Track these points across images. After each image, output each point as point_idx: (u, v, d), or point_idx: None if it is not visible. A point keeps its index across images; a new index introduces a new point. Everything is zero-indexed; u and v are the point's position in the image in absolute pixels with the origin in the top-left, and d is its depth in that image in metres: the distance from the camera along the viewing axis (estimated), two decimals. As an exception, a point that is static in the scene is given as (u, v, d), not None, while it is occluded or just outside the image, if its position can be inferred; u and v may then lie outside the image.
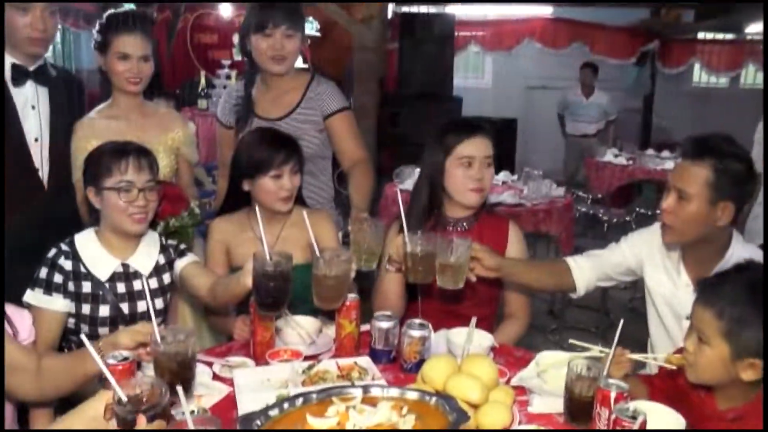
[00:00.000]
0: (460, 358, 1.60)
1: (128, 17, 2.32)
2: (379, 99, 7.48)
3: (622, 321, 1.51)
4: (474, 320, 1.80)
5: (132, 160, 1.88)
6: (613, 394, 1.33)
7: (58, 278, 1.86)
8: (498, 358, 1.80)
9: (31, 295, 1.85)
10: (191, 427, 1.08)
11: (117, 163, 1.87)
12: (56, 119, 2.25)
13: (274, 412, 1.15)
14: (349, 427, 1.15)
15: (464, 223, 2.14)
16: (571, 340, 1.69)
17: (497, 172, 4.88)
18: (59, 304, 1.86)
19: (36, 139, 2.21)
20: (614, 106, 7.17)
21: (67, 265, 1.88)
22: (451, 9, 8.10)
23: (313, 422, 1.15)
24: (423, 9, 8.19)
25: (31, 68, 2.20)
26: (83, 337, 1.36)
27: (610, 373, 1.47)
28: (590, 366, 1.45)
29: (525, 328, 2.18)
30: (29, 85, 2.20)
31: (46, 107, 2.24)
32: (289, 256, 1.70)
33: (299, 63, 7.18)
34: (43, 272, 1.86)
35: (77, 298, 1.89)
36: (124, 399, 1.14)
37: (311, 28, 7.52)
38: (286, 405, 1.17)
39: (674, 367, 1.53)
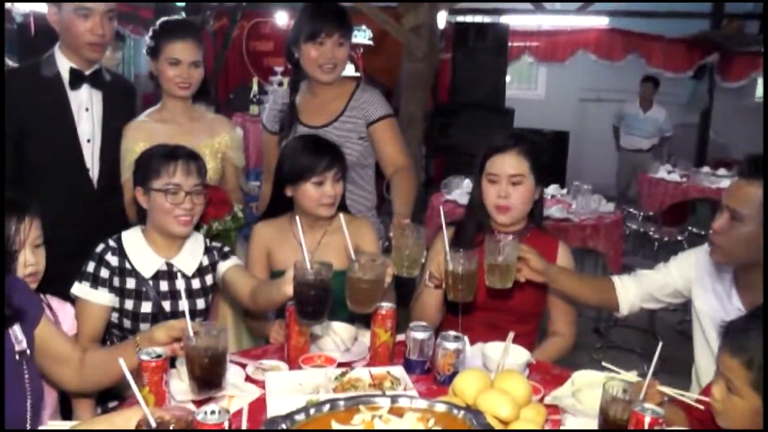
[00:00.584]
0: (494, 373, 1.58)
1: (179, 24, 2.41)
2: (431, 109, 7.58)
3: (660, 344, 1.46)
4: (511, 335, 1.77)
5: (181, 164, 1.93)
6: (647, 419, 1.28)
7: (104, 273, 1.92)
8: (534, 374, 1.77)
9: (78, 288, 1.91)
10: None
11: (166, 166, 1.92)
12: (108, 121, 2.32)
13: (300, 417, 1.15)
14: (373, 436, 1.14)
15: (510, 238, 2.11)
16: (604, 363, 1.64)
17: (546, 185, 4.86)
18: (104, 297, 1.92)
19: (88, 140, 2.29)
20: (670, 122, 6.99)
21: (113, 260, 1.94)
22: (505, 19, 8.06)
23: (338, 429, 1.15)
24: (477, 19, 8.17)
25: (87, 72, 2.27)
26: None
27: (646, 398, 1.42)
28: (626, 388, 1.40)
29: (569, 347, 2.13)
30: (85, 89, 2.28)
31: (99, 110, 2.31)
32: (330, 265, 1.69)
33: (350, 71, 7.32)
34: (91, 266, 1.93)
35: (121, 293, 1.94)
36: (154, 425, 1.16)
37: (364, 36, 7.60)
38: (312, 410, 1.18)
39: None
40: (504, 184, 2.03)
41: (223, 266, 2.07)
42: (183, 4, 8.86)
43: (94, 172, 2.31)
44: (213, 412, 1.21)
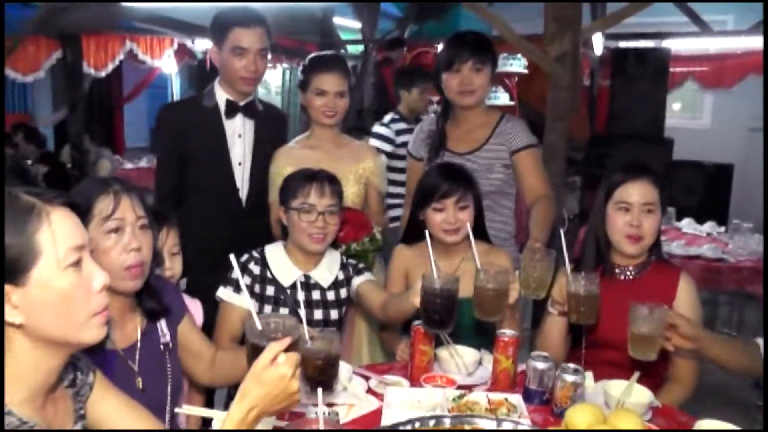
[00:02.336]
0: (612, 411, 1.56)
1: (327, 58, 2.59)
2: (588, 138, 7.38)
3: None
4: (636, 375, 1.74)
5: (316, 186, 2.10)
6: None
7: (246, 280, 2.12)
8: (657, 419, 1.71)
9: (223, 291, 2.13)
10: (321, 425, 1.19)
11: (302, 187, 2.10)
12: (258, 147, 2.54)
13: (405, 427, 1.22)
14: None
15: (632, 272, 2.06)
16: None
17: (702, 222, 4.60)
18: (245, 300, 2.11)
19: (239, 164, 2.52)
20: None
21: (255, 269, 2.14)
22: (668, 43, 7.66)
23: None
24: (639, 44, 7.85)
25: (242, 103, 2.52)
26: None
27: None
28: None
29: (688, 393, 2.00)
30: (239, 118, 2.52)
31: (251, 136, 2.54)
32: (457, 278, 1.80)
33: (505, 99, 7.33)
34: (234, 272, 2.12)
35: (261, 299, 2.13)
36: (259, 327, 1.27)
37: (519, 65, 7.58)
38: (417, 424, 1.24)
39: None
40: (636, 212, 1.98)
41: (357, 281, 2.22)
42: (348, 37, 9.39)
43: (243, 192, 2.53)
44: (324, 413, 1.31)
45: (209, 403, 2.21)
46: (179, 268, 2.05)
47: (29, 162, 5.70)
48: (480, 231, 2.28)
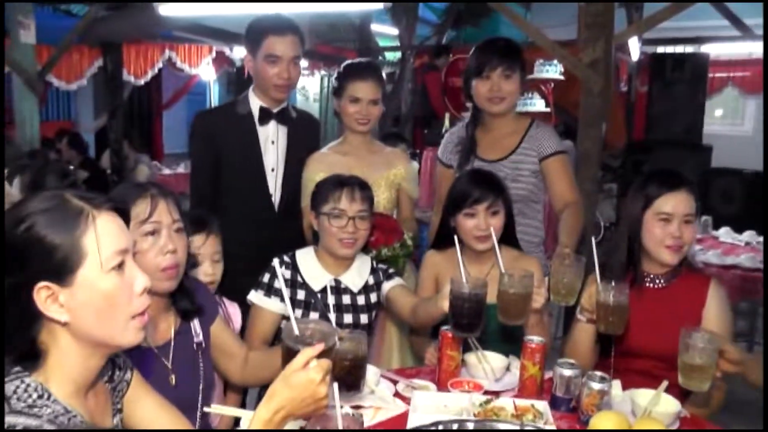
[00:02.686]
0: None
1: (361, 66, 2.62)
2: (624, 145, 7.29)
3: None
4: (664, 384, 1.73)
5: (347, 191, 2.13)
6: None
7: (277, 284, 2.15)
8: (685, 429, 1.69)
9: (254, 295, 2.17)
10: (339, 422, 1.21)
11: (333, 193, 2.13)
12: (291, 153, 2.58)
13: (427, 429, 1.24)
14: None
15: (662, 280, 2.05)
16: None
17: (740, 231, 4.51)
18: (276, 306, 2.15)
19: (272, 169, 2.56)
20: None
21: (286, 273, 2.17)
22: (706, 48, 7.54)
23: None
24: (677, 49, 7.74)
25: (275, 110, 2.57)
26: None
27: None
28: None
29: (717, 403, 1.95)
30: (272, 124, 2.56)
31: (284, 143, 2.58)
32: (485, 283, 1.82)
33: (541, 106, 7.29)
34: (266, 277, 2.17)
35: (292, 303, 2.14)
36: (296, 332, 1.31)
37: (555, 71, 7.54)
38: (440, 427, 1.26)
39: None
40: (678, 224, 1.96)
41: (387, 285, 2.24)
42: (386, 44, 9.45)
43: (276, 198, 2.57)
44: (347, 412, 1.34)
45: (242, 403, 2.25)
46: (219, 275, 2.10)
47: (71, 167, 5.89)
48: (510, 237, 2.29)
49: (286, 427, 1.26)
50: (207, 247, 2.05)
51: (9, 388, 1.06)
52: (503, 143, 2.61)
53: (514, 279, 1.86)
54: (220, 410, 1.54)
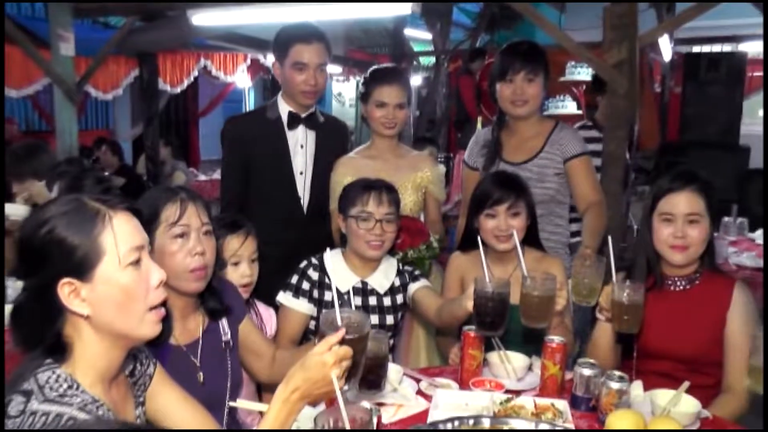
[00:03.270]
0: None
1: (387, 71, 2.67)
2: (658, 146, 7.18)
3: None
4: (685, 384, 1.73)
5: (374, 195, 2.17)
6: None
7: (305, 285, 2.21)
8: (706, 430, 1.69)
9: (282, 296, 2.23)
10: (342, 407, 1.25)
11: (361, 196, 2.18)
12: (319, 157, 2.65)
13: (443, 426, 1.27)
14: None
15: (683, 282, 2.04)
16: None
17: (753, 230, 4.43)
18: (304, 307, 2.21)
19: (301, 173, 2.63)
20: None
21: (314, 275, 2.23)
22: (744, 47, 7.39)
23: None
24: (714, 48, 7.60)
25: (303, 115, 2.63)
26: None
27: None
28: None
29: (743, 405, 1.93)
30: (300, 129, 2.63)
31: (312, 147, 2.65)
32: (508, 282, 1.86)
33: (573, 108, 7.23)
34: (294, 279, 2.23)
35: (319, 304, 2.22)
36: (340, 322, 1.35)
37: (587, 73, 7.49)
38: (456, 423, 1.29)
39: None
40: (680, 223, 1.96)
41: (413, 287, 2.28)
42: (420, 49, 9.48)
43: (304, 201, 2.64)
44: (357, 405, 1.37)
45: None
46: (256, 276, 2.16)
47: (107, 173, 6.07)
48: (533, 239, 2.30)
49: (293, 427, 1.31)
50: (245, 249, 2.11)
51: (41, 378, 1.14)
52: (528, 145, 2.63)
53: (537, 282, 1.88)
54: (244, 405, 1.60)
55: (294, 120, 2.62)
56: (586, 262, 2.01)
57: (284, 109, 2.63)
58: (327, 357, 1.30)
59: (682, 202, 1.97)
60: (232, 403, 1.62)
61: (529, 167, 2.59)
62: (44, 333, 1.18)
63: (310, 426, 1.44)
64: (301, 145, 2.64)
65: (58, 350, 1.18)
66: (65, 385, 1.15)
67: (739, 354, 1.94)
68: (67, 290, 1.16)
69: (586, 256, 2.09)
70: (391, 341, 2.31)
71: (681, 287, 2.04)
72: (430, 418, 1.64)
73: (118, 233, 1.19)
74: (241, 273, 2.10)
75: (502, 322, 1.84)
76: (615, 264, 1.92)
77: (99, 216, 1.18)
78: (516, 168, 2.57)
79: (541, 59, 2.59)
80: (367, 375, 1.60)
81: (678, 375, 1.90)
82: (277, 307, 2.26)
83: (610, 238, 1.95)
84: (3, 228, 1.07)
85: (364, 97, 2.65)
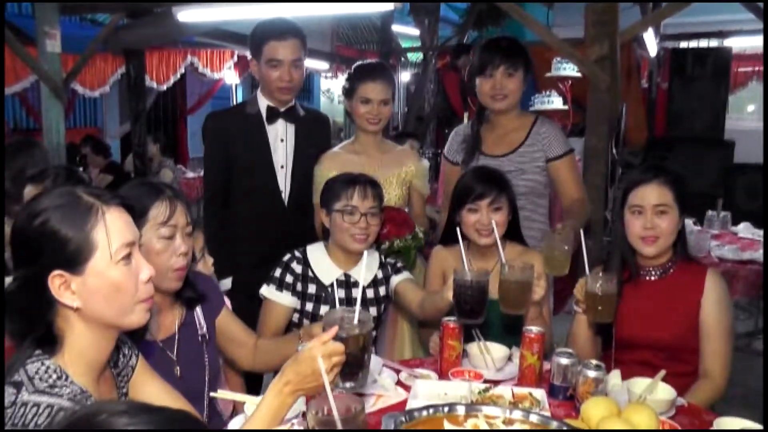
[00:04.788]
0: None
1: (371, 67, 2.67)
2: (645, 141, 7.23)
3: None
4: (662, 373, 1.76)
5: (359, 189, 2.19)
6: None
7: (289, 278, 2.23)
8: (680, 417, 1.71)
9: (266, 289, 2.25)
10: (329, 394, 1.28)
11: (345, 190, 2.19)
12: (300, 150, 2.66)
13: (417, 414, 1.30)
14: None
15: (657, 272, 2.07)
16: None
17: (736, 223, 4.48)
18: (287, 299, 2.23)
19: (282, 166, 2.64)
20: None
21: (297, 268, 2.24)
22: (729, 42, 7.44)
23: (448, 428, 1.27)
24: (701, 44, 7.66)
25: (282, 109, 2.64)
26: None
27: None
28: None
29: (719, 391, 1.97)
30: (280, 123, 2.64)
31: (293, 140, 2.66)
32: (487, 271, 1.90)
33: (558, 104, 7.28)
34: (277, 272, 2.24)
35: (303, 296, 2.24)
36: (347, 322, 1.39)
37: (573, 69, 7.52)
38: (431, 410, 1.31)
39: None
40: (649, 214, 2.00)
41: (395, 279, 2.30)
42: (408, 45, 9.48)
43: (285, 194, 2.64)
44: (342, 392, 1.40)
45: (256, 390, 2.32)
46: (205, 271, 2.13)
47: (97, 171, 6.06)
48: (515, 233, 2.33)
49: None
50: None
51: (31, 369, 1.16)
52: (509, 139, 2.66)
53: (515, 270, 1.94)
54: (225, 395, 1.61)
55: (273, 114, 2.63)
56: (558, 235, 2.13)
57: (263, 103, 2.64)
58: (316, 351, 1.32)
59: (650, 194, 2.00)
60: (213, 394, 1.64)
61: (511, 160, 2.62)
62: (33, 323, 1.20)
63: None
64: (282, 139, 2.65)
65: (48, 341, 1.20)
66: (54, 376, 1.16)
67: (714, 340, 1.98)
68: (57, 282, 1.17)
69: (559, 230, 2.19)
70: (374, 333, 2.33)
71: (655, 276, 2.07)
72: (408, 407, 1.66)
73: (111, 229, 1.20)
74: (207, 264, 2.11)
75: (481, 311, 1.88)
76: (591, 258, 1.95)
77: (93, 210, 1.20)
78: (497, 160, 2.60)
79: (521, 54, 2.62)
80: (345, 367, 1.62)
81: (657, 363, 1.94)
82: (250, 295, 2.27)
83: (582, 232, 1.98)
84: (3, 228, 1.08)
85: (348, 93, 2.66)
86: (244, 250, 2.23)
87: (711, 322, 1.98)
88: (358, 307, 1.45)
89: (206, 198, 2.69)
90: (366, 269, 2.28)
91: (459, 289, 1.88)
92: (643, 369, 1.94)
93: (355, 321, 1.44)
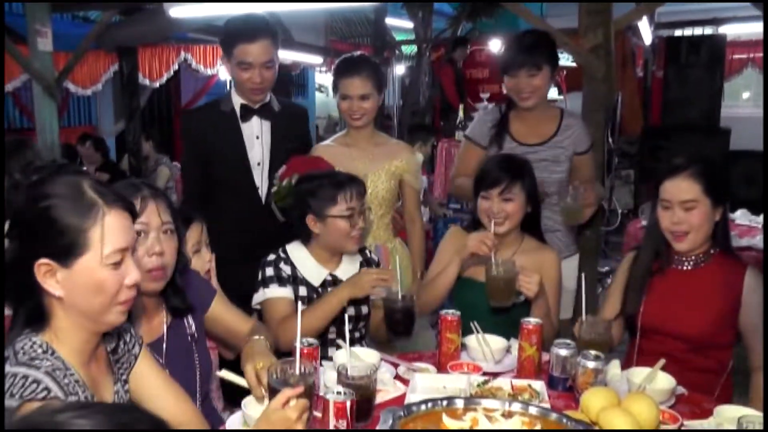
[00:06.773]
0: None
1: (352, 61, 2.63)
2: (641, 130, 7.21)
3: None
4: (661, 362, 1.76)
5: (355, 189, 2.16)
6: None
7: (284, 275, 2.17)
8: (681, 406, 1.71)
9: (267, 291, 2.14)
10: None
11: (342, 194, 2.13)
12: (277, 147, 2.62)
13: (416, 408, 1.29)
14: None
15: (690, 261, 2.05)
16: None
17: (759, 213, 4.45)
18: (290, 293, 2.15)
19: (258, 164, 2.60)
20: None
21: (287, 269, 2.18)
22: (724, 29, 7.42)
23: (447, 422, 1.27)
24: (696, 31, 7.63)
25: (256, 107, 2.60)
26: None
27: None
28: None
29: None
30: (255, 120, 2.60)
31: (269, 137, 2.62)
32: (412, 296, 2.06)
33: (553, 93, 7.25)
34: (269, 272, 2.16)
35: (295, 299, 2.20)
36: (278, 375, 1.41)
37: (567, 58, 7.51)
38: (430, 404, 1.31)
39: None
40: (677, 210, 1.97)
41: None
42: (402, 38, 9.45)
43: (263, 191, 2.61)
44: (339, 393, 1.39)
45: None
46: (200, 266, 2.10)
47: (94, 169, 6.03)
48: (533, 227, 2.33)
49: None
50: (205, 237, 2.11)
51: (18, 345, 1.19)
52: (541, 129, 2.67)
53: (501, 266, 2.08)
54: (229, 376, 1.62)
55: (247, 112, 2.59)
56: (574, 191, 2.43)
57: (237, 101, 2.60)
58: (290, 413, 1.33)
59: (677, 189, 1.97)
60: (218, 373, 1.67)
61: (545, 149, 2.63)
62: (22, 297, 1.22)
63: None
64: (257, 137, 2.61)
65: (38, 317, 1.22)
66: (39, 351, 1.19)
67: (760, 335, 1.94)
68: (43, 270, 1.19)
69: (576, 187, 2.44)
70: (363, 330, 2.32)
71: (689, 266, 2.04)
72: (407, 402, 1.65)
73: (108, 232, 1.20)
74: (204, 260, 2.10)
75: (410, 329, 2.06)
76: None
77: (94, 210, 1.20)
78: (531, 149, 2.60)
79: (545, 51, 2.58)
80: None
81: (679, 355, 1.93)
82: (232, 290, 2.12)
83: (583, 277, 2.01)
84: (3, 228, 1.07)
85: (333, 89, 2.65)
86: (226, 246, 2.22)
87: (755, 319, 1.94)
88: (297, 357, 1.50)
89: (185, 195, 2.68)
90: (351, 268, 2.26)
91: (388, 311, 2.04)
92: (669, 359, 1.85)
93: (297, 372, 1.49)
